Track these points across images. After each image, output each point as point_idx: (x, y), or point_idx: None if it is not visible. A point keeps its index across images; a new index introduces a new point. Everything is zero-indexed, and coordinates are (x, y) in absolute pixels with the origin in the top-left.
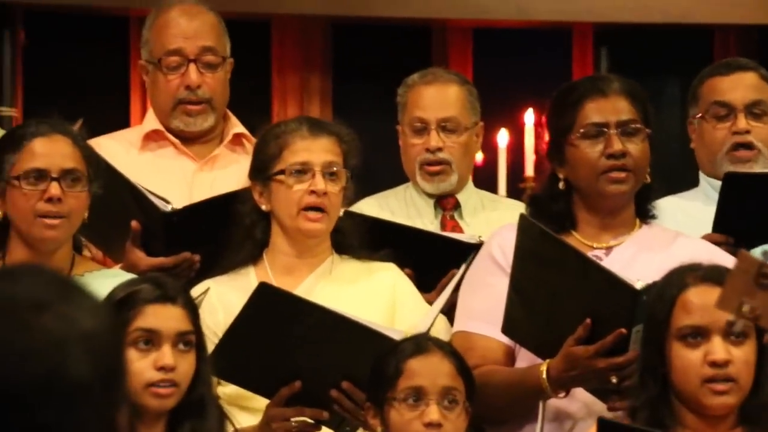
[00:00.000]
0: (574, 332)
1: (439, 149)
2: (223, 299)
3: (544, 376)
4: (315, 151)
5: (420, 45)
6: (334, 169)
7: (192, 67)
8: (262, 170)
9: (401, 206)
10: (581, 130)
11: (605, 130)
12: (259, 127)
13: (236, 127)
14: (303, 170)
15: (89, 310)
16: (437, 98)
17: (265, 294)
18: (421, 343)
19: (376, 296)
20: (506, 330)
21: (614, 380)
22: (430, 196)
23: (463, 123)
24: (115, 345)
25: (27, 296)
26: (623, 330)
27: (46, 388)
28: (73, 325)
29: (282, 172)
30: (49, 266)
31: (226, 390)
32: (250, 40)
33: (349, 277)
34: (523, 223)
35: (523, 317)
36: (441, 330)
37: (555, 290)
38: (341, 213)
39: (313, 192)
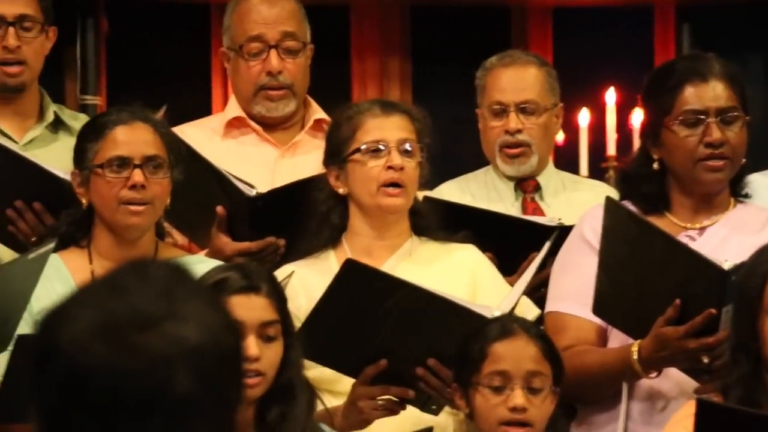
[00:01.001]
0: (664, 313)
1: (519, 131)
2: (304, 283)
3: (635, 356)
4: (388, 128)
5: (499, 26)
6: (409, 145)
7: (273, 53)
8: (336, 153)
9: (481, 189)
10: (680, 117)
11: (704, 117)
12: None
13: (317, 113)
14: (378, 148)
15: (198, 322)
16: (516, 80)
17: (352, 270)
18: (506, 326)
19: (456, 277)
20: (596, 310)
21: (705, 360)
22: (510, 178)
23: (543, 104)
24: (224, 353)
25: (132, 314)
26: (713, 310)
27: (149, 406)
28: (178, 343)
29: (357, 150)
30: (154, 260)
31: (311, 374)
32: (330, 25)
33: (430, 258)
34: (609, 205)
35: (613, 298)
36: (524, 312)
37: (643, 271)
38: (420, 197)
39: (390, 168)
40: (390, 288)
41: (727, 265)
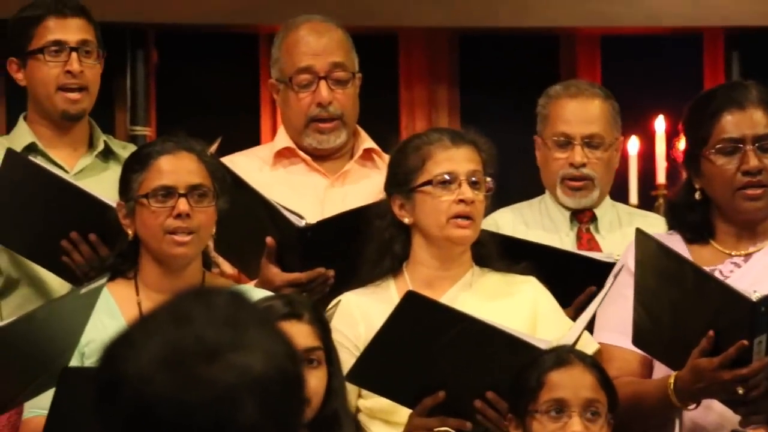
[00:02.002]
0: (699, 344)
1: (583, 165)
2: (363, 312)
3: (672, 388)
4: (458, 160)
5: (548, 54)
6: (477, 177)
7: (322, 84)
8: (403, 183)
9: (536, 218)
10: (717, 146)
11: (741, 145)
12: (388, 141)
13: (366, 142)
14: (449, 180)
15: (262, 351)
16: (582, 113)
17: (412, 302)
18: (562, 355)
19: (517, 309)
20: (636, 342)
21: (741, 391)
22: (566, 208)
23: (607, 139)
24: (288, 381)
25: (197, 345)
26: (745, 342)
27: None
28: (244, 373)
29: (428, 183)
30: (216, 287)
31: (368, 403)
32: (378, 54)
33: (490, 290)
34: (640, 237)
35: (650, 329)
36: (584, 346)
37: (677, 303)
38: None
39: (461, 201)
40: (450, 320)
41: (755, 297)
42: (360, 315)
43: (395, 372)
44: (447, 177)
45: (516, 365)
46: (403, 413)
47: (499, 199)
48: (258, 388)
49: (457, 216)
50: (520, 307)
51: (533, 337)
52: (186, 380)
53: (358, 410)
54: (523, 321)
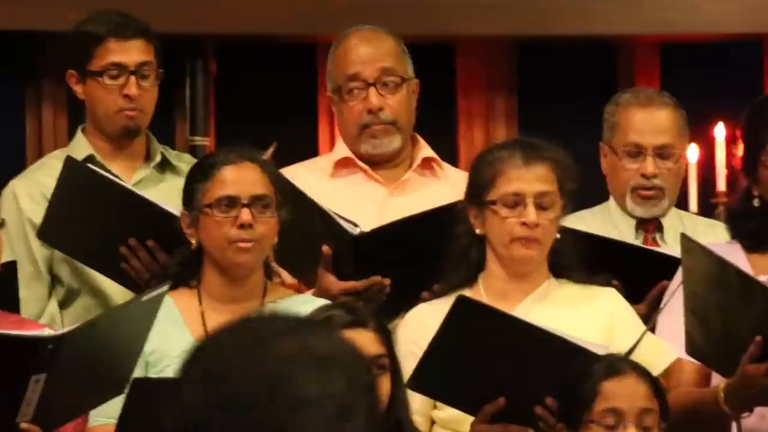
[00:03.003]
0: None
1: (655, 176)
2: (438, 322)
3: (722, 396)
4: (528, 180)
5: (606, 63)
6: (546, 200)
7: (372, 90)
8: (476, 195)
9: (599, 226)
10: None
11: None
12: (445, 151)
13: (425, 150)
14: (515, 202)
15: (344, 373)
16: (653, 123)
17: (463, 307)
18: (614, 365)
19: (592, 321)
20: (689, 351)
21: None
22: (632, 216)
23: (677, 149)
24: (370, 405)
25: (276, 370)
26: None
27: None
28: (331, 398)
29: (495, 202)
30: (279, 313)
31: (442, 414)
32: (435, 63)
33: (566, 301)
34: (685, 243)
35: (701, 337)
36: (664, 356)
37: (725, 309)
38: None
39: (524, 224)
40: (502, 325)
41: None
42: (433, 325)
43: (454, 378)
44: (512, 198)
45: (572, 371)
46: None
47: None
48: (344, 410)
49: (520, 238)
50: (596, 319)
51: (590, 343)
52: (276, 401)
53: (433, 422)
54: (599, 332)
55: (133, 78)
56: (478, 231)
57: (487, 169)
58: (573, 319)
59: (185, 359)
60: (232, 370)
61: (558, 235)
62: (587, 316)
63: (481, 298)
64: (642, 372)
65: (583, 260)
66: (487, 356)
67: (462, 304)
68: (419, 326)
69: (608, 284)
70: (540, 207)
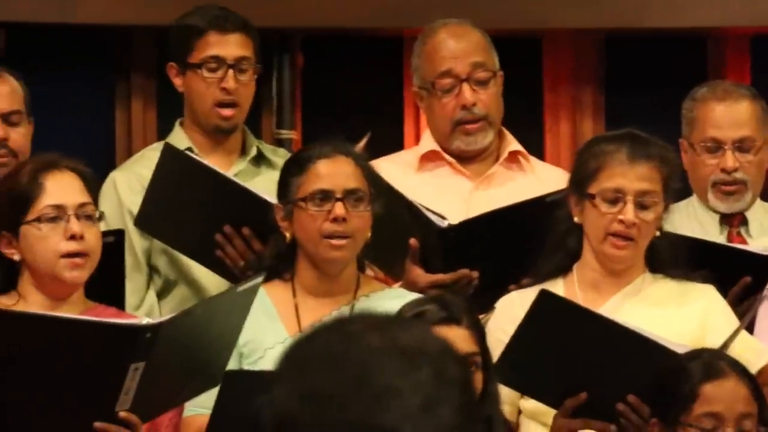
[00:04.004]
0: None
1: (735, 170)
2: (526, 310)
3: None
4: (630, 178)
5: (695, 55)
6: (648, 199)
7: (465, 86)
8: (578, 184)
9: (684, 221)
10: None
11: None
12: (532, 144)
13: (512, 144)
14: (615, 198)
15: (428, 372)
16: (731, 116)
17: (546, 302)
18: (714, 365)
19: (685, 318)
20: None
21: None
22: (715, 211)
23: (758, 141)
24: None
25: (362, 361)
26: None
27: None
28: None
29: (595, 195)
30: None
31: (527, 404)
32: (522, 56)
33: (660, 297)
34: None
35: None
36: (761, 355)
37: None
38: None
39: (621, 221)
40: (583, 320)
41: None
42: (522, 314)
43: (537, 371)
44: (613, 194)
45: (653, 369)
46: None
47: None
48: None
49: (615, 234)
50: (689, 316)
51: (670, 342)
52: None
53: (519, 411)
54: (691, 330)
55: (231, 71)
56: (576, 219)
57: (591, 161)
58: (665, 316)
59: (280, 356)
60: (320, 363)
61: (658, 233)
62: (680, 312)
63: (573, 288)
64: (742, 372)
65: (683, 257)
66: (569, 351)
67: (545, 298)
68: (509, 314)
69: (706, 281)
70: (640, 206)
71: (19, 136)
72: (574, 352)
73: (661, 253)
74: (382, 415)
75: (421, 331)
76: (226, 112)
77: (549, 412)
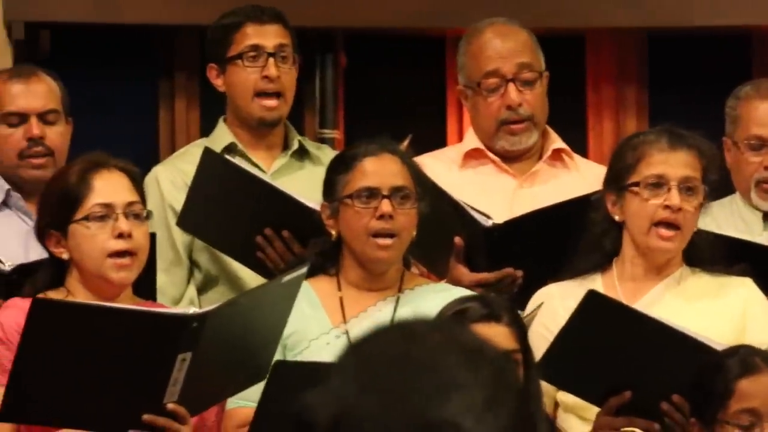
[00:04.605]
0: None
1: None
2: (567, 306)
3: None
4: (672, 164)
5: (740, 53)
6: (692, 184)
7: (511, 86)
8: (616, 180)
9: (727, 218)
10: None
11: None
12: (575, 143)
13: (555, 142)
14: (659, 183)
15: (489, 371)
16: None
17: (592, 302)
18: (749, 361)
19: (724, 312)
20: None
21: None
22: (758, 209)
23: None
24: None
25: (425, 357)
26: None
27: None
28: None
29: (637, 183)
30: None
31: (565, 398)
32: (565, 54)
33: (699, 290)
34: None
35: None
36: None
37: None
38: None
39: (667, 207)
40: (629, 321)
41: None
42: (563, 309)
43: (580, 369)
44: (656, 180)
45: (696, 367)
46: (597, 410)
47: None
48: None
49: (661, 222)
50: (728, 310)
51: (710, 340)
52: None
53: (556, 405)
54: (731, 324)
55: (271, 60)
56: (616, 218)
57: (629, 154)
58: (704, 309)
59: (341, 350)
60: (382, 358)
61: (697, 227)
62: (719, 306)
63: (613, 282)
64: None
65: (720, 255)
66: (614, 350)
67: (592, 298)
68: (547, 307)
69: (744, 275)
70: (685, 191)
71: (56, 135)
72: (619, 351)
73: (699, 250)
74: (444, 408)
75: (479, 336)
76: (270, 102)
77: (588, 407)
